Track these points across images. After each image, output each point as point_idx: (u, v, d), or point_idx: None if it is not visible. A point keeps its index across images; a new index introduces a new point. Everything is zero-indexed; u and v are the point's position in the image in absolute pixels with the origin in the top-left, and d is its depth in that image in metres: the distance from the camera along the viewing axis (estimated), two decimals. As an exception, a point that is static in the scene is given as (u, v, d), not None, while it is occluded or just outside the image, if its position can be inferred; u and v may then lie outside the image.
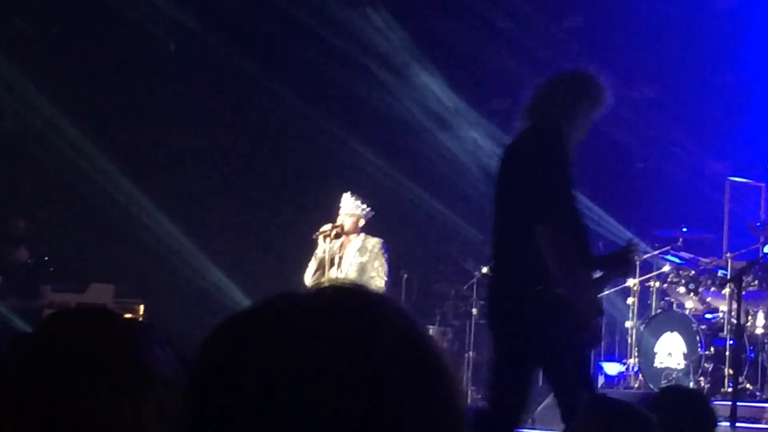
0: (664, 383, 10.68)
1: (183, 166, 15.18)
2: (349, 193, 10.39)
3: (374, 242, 10.33)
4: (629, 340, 11.56)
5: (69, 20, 14.86)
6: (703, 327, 10.66)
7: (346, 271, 10.19)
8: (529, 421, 10.34)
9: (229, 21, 14.53)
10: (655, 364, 10.90)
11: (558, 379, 6.04)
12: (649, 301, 11.49)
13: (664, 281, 11.34)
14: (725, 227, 12.63)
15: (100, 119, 14.41)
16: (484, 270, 13.17)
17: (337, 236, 10.31)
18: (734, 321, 9.12)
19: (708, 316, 10.97)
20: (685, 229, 11.46)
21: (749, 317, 10.42)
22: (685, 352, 10.67)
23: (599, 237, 13.56)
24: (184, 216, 14.34)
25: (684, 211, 12.44)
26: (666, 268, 11.42)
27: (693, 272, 11.14)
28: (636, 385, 11.20)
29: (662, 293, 11.41)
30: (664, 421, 3.67)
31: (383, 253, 10.32)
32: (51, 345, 1.68)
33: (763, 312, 10.43)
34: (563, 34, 14.56)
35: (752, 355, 10.30)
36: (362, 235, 10.37)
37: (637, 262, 11.65)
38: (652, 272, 11.55)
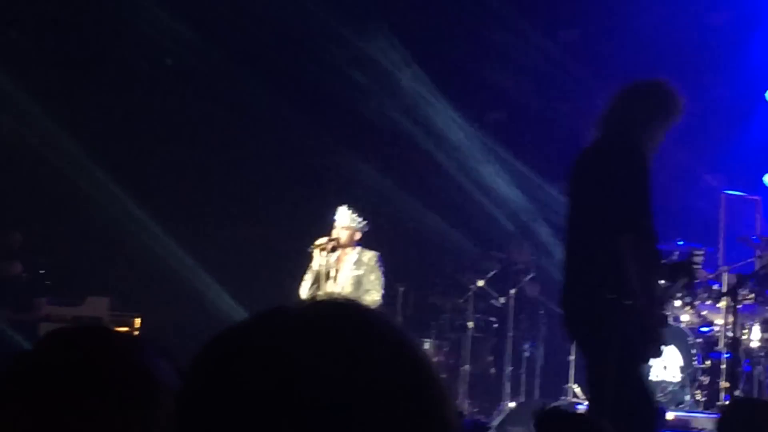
0: (660, 396, 10.68)
1: (179, 179, 15.16)
2: (345, 206, 10.39)
3: (370, 255, 10.33)
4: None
5: (65, 32, 14.85)
6: (699, 340, 10.66)
7: (342, 284, 10.19)
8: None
9: (224, 34, 14.53)
10: (651, 378, 10.88)
11: (601, 384, 6.06)
12: (644, 315, 11.47)
13: (659, 294, 11.32)
14: (720, 241, 12.63)
15: (96, 132, 14.38)
16: (480, 283, 13.19)
17: (333, 250, 10.30)
18: (730, 334, 9.12)
19: (704, 329, 10.96)
20: (681, 243, 11.45)
21: (745, 330, 10.41)
22: (681, 365, 10.66)
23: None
24: (180, 229, 14.32)
25: (679, 224, 12.45)
26: (662, 282, 11.39)
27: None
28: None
29: (658, 306, 11.40)
30: None
31: (379, 267, 10.32)
32: (54, 360, 1.68)
33: (759, 325, 10.42)
34: (559, 47, 14.57)
35: (748, 368, 10.29)
36: (358, 248, 10.37)
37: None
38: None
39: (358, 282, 10.24)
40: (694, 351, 10.55)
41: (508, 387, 12.99)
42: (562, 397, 11.92)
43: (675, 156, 13.75)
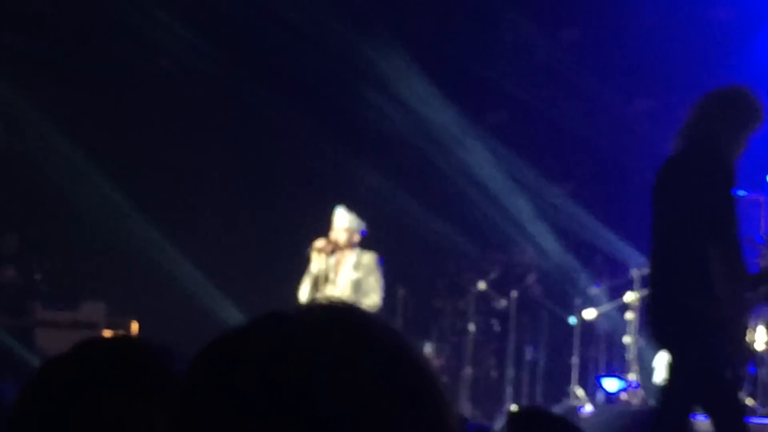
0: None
1: (175, 182, 15.11)
2: (343, 207, 10.28)
3: (369, 257, 10.23)
4: (629, 356, 11.48)
5: (60, 36, 14.80)
6: (703, 342, 10.55)
7: (341, 287, 10.10)
8: None
9: (220, 36, 14.48)
10: (654, 380, 10.78)
11: (690, 391, 6.19)
12: (648, 316, 11.39)
13: (663, 296, 11.22)
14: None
15: (92, 135, 14.33)
16: (481, 285, 13.12)
17: (332, 252, 10.20)
18: (735, 336, 9.00)
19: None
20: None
21: (749, 332, 10.32)
22: (685, 367, 10.55)
23: (597, 251, 13.49)
24: (177, 232, 14.27)
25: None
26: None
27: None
28: (636, 401, 11.11)
29: (662, 308, 11.30)
30: None
31: (378, 269, 10.22)
32: (82, 365, 1.73)
33: (764, 326, 10.32)
34: (560, 46, 14.49)
35: (753, 370, 10.20)
36: (357, 250, 10.27)
37: (636, 277, 11.57)
38: (651, 286, 11.44)
39: (357, 285, 10.14)
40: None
41: (510, 390, 12.92)
42: (565, 400, 11.85)
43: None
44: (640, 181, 14.63)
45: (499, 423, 11.29)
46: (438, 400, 1.28)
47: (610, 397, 12.04)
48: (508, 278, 13.31)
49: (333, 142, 14.67)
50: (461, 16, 14.62)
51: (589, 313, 12.21)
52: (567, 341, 12.95)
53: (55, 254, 14.25)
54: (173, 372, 1.70)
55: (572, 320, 12.72)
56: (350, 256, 10.22)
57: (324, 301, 1.32)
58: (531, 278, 13.32)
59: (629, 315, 11.52)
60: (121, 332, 12.06)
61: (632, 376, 11.30)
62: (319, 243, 10.19)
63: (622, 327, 11.92)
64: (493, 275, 13.19)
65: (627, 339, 11.53)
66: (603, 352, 12.91)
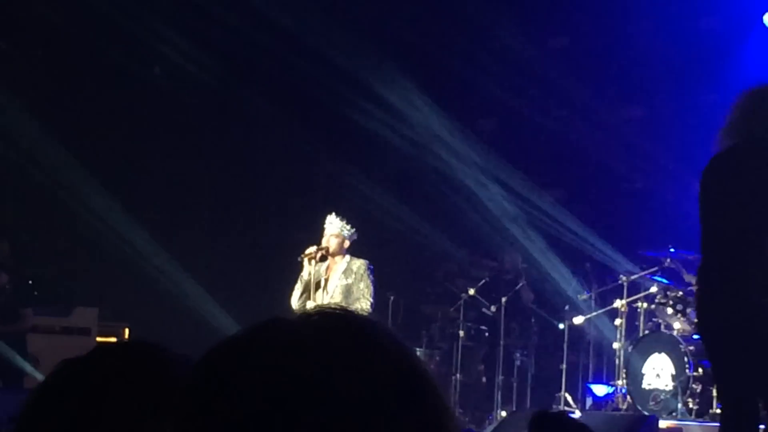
0: (652, 404, 10.63)
1: (168, 188, 15.11)
2: (333, 213, 10.30)
3: (359, 264, 10.24)
4: (617, 362, 11.51)
5: (53, 42, 14.80)
6: (691, 348, 10.60)
7: (332, 293, 10.10)
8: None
9: (215, 43, 14.49)
10: (643, 386, 10.83)
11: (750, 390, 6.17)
12: (636, 323, 11.44)
13: (651, 302, 11.28)
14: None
15: (84, 141, 14.34)
16: (471, 292, 13.13)
17: (323, 258, 10.22)
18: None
19: (696, 336, 10.89)
20: (672, 250, 11.40)
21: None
22: (674, 373, 10.61)
23: (586, 258, 13.53)
24: (169, 238, 14.28)
25: (671, 231, 12.40)
26: (653, 289, 11.36)
27: (681, 293, 11.08)
28: (624, 407, 11.13)
29: (650, 314, 11.36)
30: None
31: (369, 275, 10.22)
32: (95, 370, 1.74)
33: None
34: (550, 54, 14.54)
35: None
36: (347, 256, 10.28)
37: (625, 283, 11.62)
38: (639, 293, 11.50)
39: (347, 291, 10.15)
40: (686, 359, 10.50)
41: (499, 396, 12.93)
42: (554, 406, 11.86)
43: (667, 163, 13.73)
44: (628, 188, 14.72)
45: (488, 429, 11.34)
46: (439, 406, 1.29)
47: (599, 403, 12.07)
48: (498, 285, 13.33)
49: (324, 150, 14.71)
50: (452, 25, 14.66)
51: (578, 320, 12.25)
52: (556, 347, 12.99)
53: (48, 260, 14.25)
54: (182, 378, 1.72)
55: (561, 326, 12.77)
56: (341, 263, 10.24)
57: (325, 308, 1.32)
58: (520, 285, 13.35)
59: (618, 321, 11.55)
60: (121, 339, 12.06)
61: (620, 382, 11.32)
62: (310, 250, 10.21)
63: (611, 333, 11.95)
64: (482, 282, 13.22)
65: (616, 345, 11.55)
66: (592, 358, 12.95)
